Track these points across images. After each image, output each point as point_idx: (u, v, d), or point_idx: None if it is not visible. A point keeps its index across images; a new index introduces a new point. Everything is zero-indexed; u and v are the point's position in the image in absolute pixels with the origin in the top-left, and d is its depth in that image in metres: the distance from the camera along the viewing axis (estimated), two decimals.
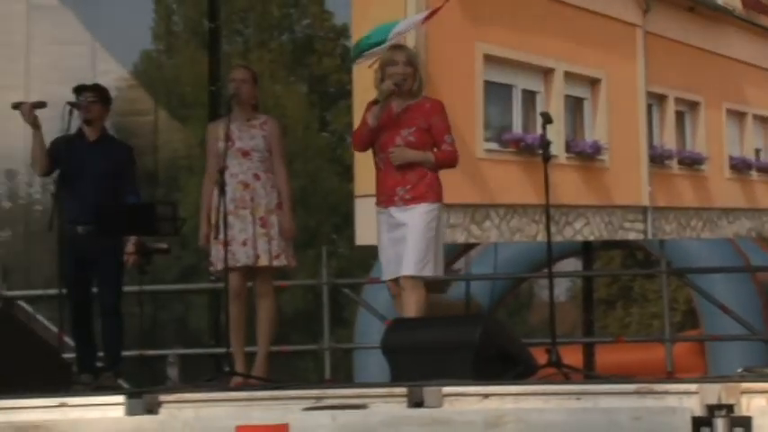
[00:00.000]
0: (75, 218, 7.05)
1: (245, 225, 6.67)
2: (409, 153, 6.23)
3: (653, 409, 4.56)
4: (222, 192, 6.41)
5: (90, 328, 7.25)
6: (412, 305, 6.20)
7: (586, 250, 10.19)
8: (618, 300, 21.43)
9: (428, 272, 6.22)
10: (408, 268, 6.17)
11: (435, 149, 6.29)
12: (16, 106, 7.16)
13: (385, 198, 6.27)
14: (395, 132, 6.25)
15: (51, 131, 7.19)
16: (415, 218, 6.19)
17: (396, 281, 6.27)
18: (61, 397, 5.33)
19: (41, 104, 7.11)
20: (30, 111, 7.08)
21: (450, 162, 6.36)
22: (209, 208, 6.77)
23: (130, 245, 7.26)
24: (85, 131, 7.31)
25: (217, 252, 6.66)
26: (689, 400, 4.54)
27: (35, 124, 7.11)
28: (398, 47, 6.67)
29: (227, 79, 7.13)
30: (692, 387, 4.55)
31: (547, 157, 6.38)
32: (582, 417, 4.64)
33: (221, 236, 6.46)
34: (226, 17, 10.43)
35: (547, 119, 6.49)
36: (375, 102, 6.30)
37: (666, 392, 4.59)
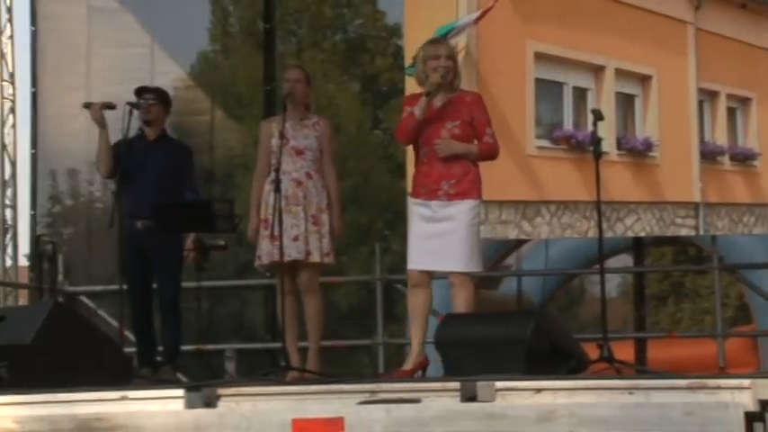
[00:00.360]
0: (135, 214, 7.16)
1: (298, 221, 6.76)
2: (455, 145, 6.27)
3: (705, 404, 4.57)
4: (278, 189, 6.50)
5: (150, 323, 7.36)
6: (462, 301, 6.26)
7: (638, 246, 10.18)
8: (669, 295, 21.30)
9: (474, 267, 6.28)
10: (457, 264, 6.23)
11: (476, 142, 6.33)
12: (87, 105, 7.29)
13: (427, 191, 6.29)
14: (440, 125, 6.29)
15: (111, 131, 7.31)
16: (462, 214, 6.23)
17: (425, 272, 6.30)
18: (122, 390, 5.40)
19: (111, 106, 7.21)
20: (98, 110, 7.19)
21: (492, 154, 6.40)
22: (259, 202, 6.88)
23: (189, 242, 7.35)
24: (145, 132, 7.42)
25: (265, 246, 6.78)
26: (741, 395, 4.54)
27: (102, 123, 7.22)
28: (439, 41, 6.65)
29: (282, 79, 7.23)
30: (745, 382, 4.56)
31: (598, 154, 6.42)
32: (634, 411, 4.66)
33: (275, 232, 6.55)
34: (280, 18, 10.48)
35: (598, 116, 6.53)
36: (418, 95, 6.33)
37: (719, 388, 4.59)
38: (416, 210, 6.33)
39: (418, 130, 6.30)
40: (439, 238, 6.23)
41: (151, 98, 7.37)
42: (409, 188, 6.65)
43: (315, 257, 6.78)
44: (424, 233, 6.27)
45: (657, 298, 20.46)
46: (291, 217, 6.71)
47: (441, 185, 6.25)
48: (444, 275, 6.35)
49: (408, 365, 6.29)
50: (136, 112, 7.22)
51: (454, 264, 6.23)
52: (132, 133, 7.35)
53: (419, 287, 6.34)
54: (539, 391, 4.81)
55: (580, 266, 11.15)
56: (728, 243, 10.29)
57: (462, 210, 6.24)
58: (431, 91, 6.24)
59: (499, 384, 4.87)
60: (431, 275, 6.36)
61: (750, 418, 4.49)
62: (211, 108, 10.30)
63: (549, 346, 5.66)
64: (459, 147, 6.28)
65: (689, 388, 4.65)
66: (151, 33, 9.96)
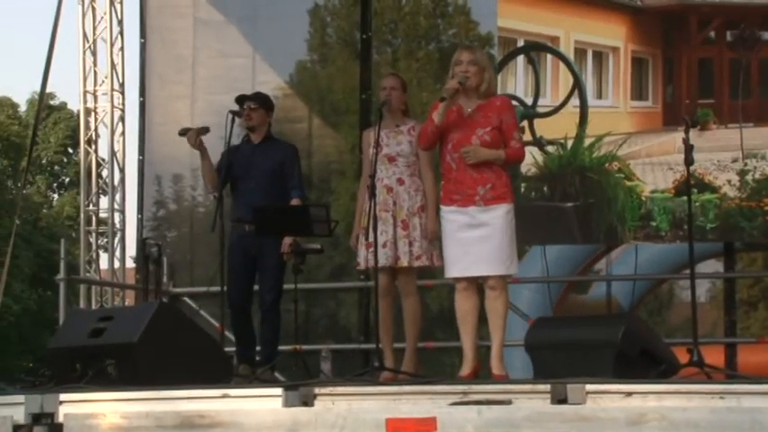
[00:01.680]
0: (243, 216, 7.31)
1: (387, 227, 6.91)
2: (483, 151, 6.32)
3: None
4: (372, 195, 6.60)
5: (251, 324, 7.48)
6: (503, 305, 6.36)
7: (728, 251, 10.13)
8: (760, 301, 21.12)
9: (513, 270, 6.37)
10: (499, 268, 6.30)
11: (503, 146, 6.38)
12: (183, 133, 7.48)
13: (462, 197, 6.33)
14: (470, 132, 6.36)
15: (214, 138, 7.46)
16: (499, 218, 6.30)
17: (468, 278, 6.34)
18: (223, 388, 5.60)
19: (205, 130, 7.41)
20: (195, 137, 7.38)
21: (519, 159, 6.54)
22: (361, 210, 7.03)
23: (286, 245, 7.46)
24: (251, 136, 7.57)
25: (362, 252, 6.95)
26: None
27: (201, 149, 7.43)
28: (466, 47, 6.66)
29: (378, 87, 7.37)
30: None
31: (690, 162, 6.45)
32: (725, 416, 4.70)
33: (369, 238, 6.69)
34: (376, 28, 10.64)
35: (693, 123, 6.51)
36: (442, 99, 6.39)
37: None
38: (452, 218, 6.38)
39: (438, 135, 6.39)
40: (480, 244, 6.28)
41: (251, 104, 7.50)
42: None
43: (403, 262, 6.92)
44: (465, 240, 6.32)
45: (748, 303, 20.30)
46: (381, 223, 6.83)
47: (477, 191, 6.32)
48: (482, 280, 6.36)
49: (466, 370, 6.37)
50: (238, 120, 7.39)
51: (496, 268, 6.30)
52: (239, 140, 7.54)
53: (468, 291, 6.39)
54: (629, 394, 4.87)
55: (669, 271, 11.11)
56: None
57: (500, 213, 6.31)
58: (445, 96, 6.31)
59: (590, 387, 4.93)
60: (477, 280, 6.42)
61: None
62: (309, 116, 10.48)
63: (639, 350, 5.70)
64: (486, 153, 6.33)
65: None
66: (253, 44, 10.17)
